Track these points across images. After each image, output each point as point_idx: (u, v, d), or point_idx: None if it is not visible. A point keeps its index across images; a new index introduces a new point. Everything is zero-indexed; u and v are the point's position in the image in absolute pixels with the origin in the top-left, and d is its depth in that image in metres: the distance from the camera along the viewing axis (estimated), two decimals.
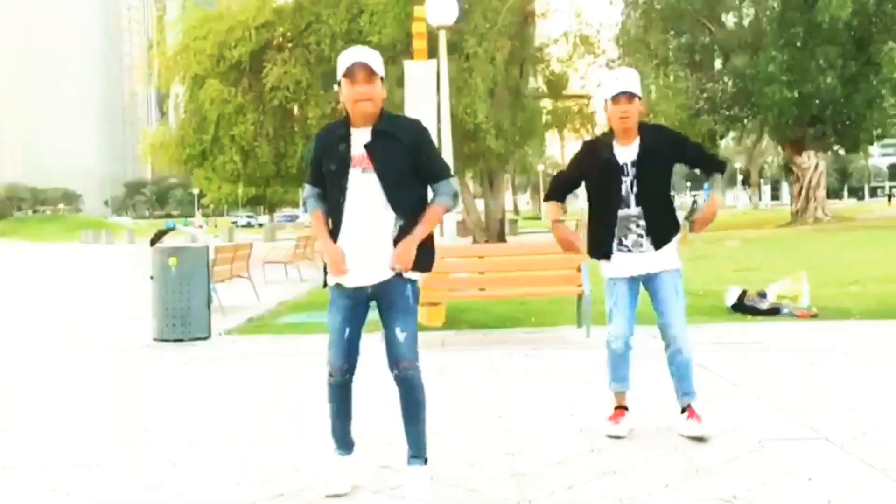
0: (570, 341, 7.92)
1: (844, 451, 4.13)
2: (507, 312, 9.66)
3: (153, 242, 9.11)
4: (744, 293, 9.40)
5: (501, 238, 27.65)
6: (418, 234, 3.70)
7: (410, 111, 10.37)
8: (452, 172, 4.01)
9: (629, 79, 4.54)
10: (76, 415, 5.48)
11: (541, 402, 5.38)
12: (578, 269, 8.30)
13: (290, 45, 26.62)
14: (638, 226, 4.50)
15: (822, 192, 33.57)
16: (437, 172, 3.80)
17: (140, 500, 3.77)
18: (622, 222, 4.51)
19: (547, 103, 30.56)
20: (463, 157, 27.26)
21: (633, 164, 4.48)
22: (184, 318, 8.63)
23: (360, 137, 3.71)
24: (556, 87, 30.24)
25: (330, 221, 3.80)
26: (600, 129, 34.62)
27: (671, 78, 34.11)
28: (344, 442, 3.89)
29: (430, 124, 10.42)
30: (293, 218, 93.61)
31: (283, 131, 27.09)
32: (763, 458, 4.05)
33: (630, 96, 4.46)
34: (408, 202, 3.71)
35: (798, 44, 30.84)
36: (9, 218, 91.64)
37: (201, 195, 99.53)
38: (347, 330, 3.77)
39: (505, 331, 8.74)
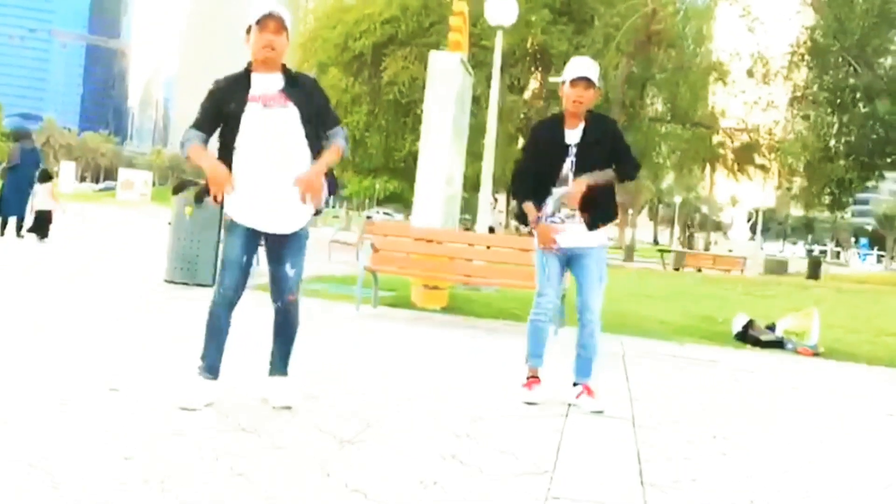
0: None
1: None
2: (509, 307, 9.54)
3: (175, 192, 9.63)
4: (750, 322, 8.96)
5: None
6: (324, 164, 3.94)
7: (429, 106, 9.77)
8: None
9: (588, 67, 4.65)
10: (97, 343, 5.60)
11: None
12: None
13: (412, 41, 27.27)
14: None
15: None
16: (333, 121, 4.13)
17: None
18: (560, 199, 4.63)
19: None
20: None
21: (577, 145, 4.63)
22: (191, 265, 9.12)
23: (263, 80, 3.95)
24: (683, 113, 29.54)
25: (224, 153, 3.98)
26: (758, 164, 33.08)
27: (811, 118, 32.65)
28: (213, 368, 4.08)
29: (445, 121, 9.58)
30: None
31: (395, 125, 27.73)
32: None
33: (588, 83, 4.59)
34: (317, 144, 4.00)
35: None
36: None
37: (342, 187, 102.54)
38: (245, 258, 4.09)
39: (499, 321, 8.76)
